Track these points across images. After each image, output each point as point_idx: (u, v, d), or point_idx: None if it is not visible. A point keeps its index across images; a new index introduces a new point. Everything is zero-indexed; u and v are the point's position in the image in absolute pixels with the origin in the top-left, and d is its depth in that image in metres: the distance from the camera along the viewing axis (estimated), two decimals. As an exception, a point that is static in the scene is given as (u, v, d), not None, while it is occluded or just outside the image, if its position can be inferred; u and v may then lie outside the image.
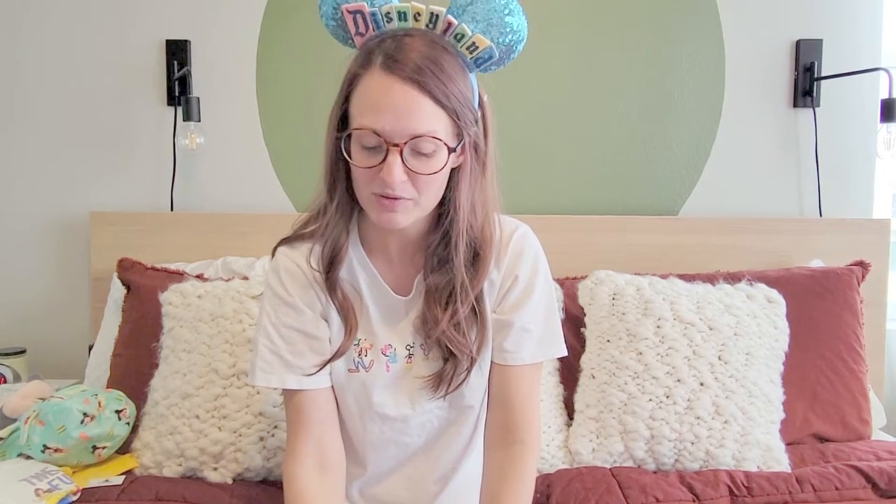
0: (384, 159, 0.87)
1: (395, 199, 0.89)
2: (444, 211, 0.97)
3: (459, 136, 0.91)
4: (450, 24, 0.90)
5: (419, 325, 1.00)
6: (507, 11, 0.92)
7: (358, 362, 1.01)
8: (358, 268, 1.02)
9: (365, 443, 1.04)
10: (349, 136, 0.90)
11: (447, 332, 0.96)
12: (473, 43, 0.92)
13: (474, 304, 0.98)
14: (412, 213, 0.93)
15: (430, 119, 0.87)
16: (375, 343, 1.01)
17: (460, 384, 0.99)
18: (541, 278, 1.04)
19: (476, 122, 0.94)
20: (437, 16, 0.90)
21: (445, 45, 0.91)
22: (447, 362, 0.98)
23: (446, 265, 0.97)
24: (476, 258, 0.98)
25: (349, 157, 0.91)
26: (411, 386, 1.01)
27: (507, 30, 0.92)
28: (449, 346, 0.97)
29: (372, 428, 1.03)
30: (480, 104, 0.96)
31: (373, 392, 1.01)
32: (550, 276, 1.07)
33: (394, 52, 0.87)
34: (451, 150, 0.90)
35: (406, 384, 1.02)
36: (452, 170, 0.95)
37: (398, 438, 1.03)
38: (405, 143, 0.87)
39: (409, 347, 1.02)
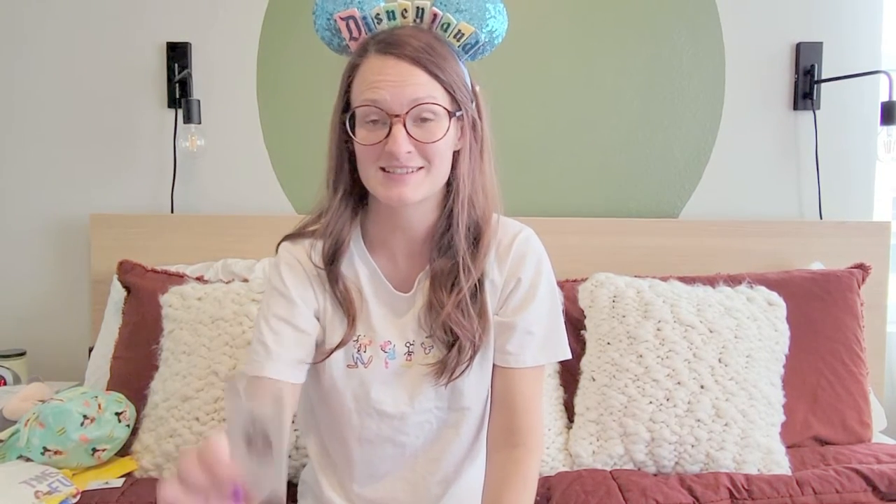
0: (388, 133, 0.90)
1: (403, 173, 0.91)
2: (448, 193, 0.99)
3: (457, 109, 0.95)
4: (435, 15, 0.96)
5: (425, 313, 1.00)
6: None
7: (357, 358, 1.01)
8: (359, 263, 1.03)
9: (361, 440, 1.03)
10: (353, 118, 0.93)
11: (453, 315, 0.97)
12: (459, 30, 0.97)
13: (477, 292, 0.99)
14: (421, 186, 0.94)
15: (427, 87, 0.91)
16: (374, 339, 1.02)
17: (463, 372, 0.99)
18: (544, 281, 1.04)
19: (472, 102, 0.98)
20: (423, 9, 0.97)
21: (435, 35, 0.96)
22: (451, 349, 0.98)
23: (450, 249, 0.99)
24: (476, 241, 1.00)
25: (354, 136, 0.93)
26: (410, 382, 1.02)
27: (488, 16, 0.98)
28: (455, 329, 0.97)
29: (369, 425, 1.02)
30: (473, 91, 0.99)
31: (371, 388, 1.01)
32: (554, 279, 1.07)
33: (387, 38, 0.93)
34: (451, 115, 0.93)
35: (405, 381, 1.02)
36: (454, 153, 0.98)
37: (395, 437, 1.03)
38: (406, 113, 0.90)
39: (408, 345, 1.02)
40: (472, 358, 0.99)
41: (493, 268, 1.02)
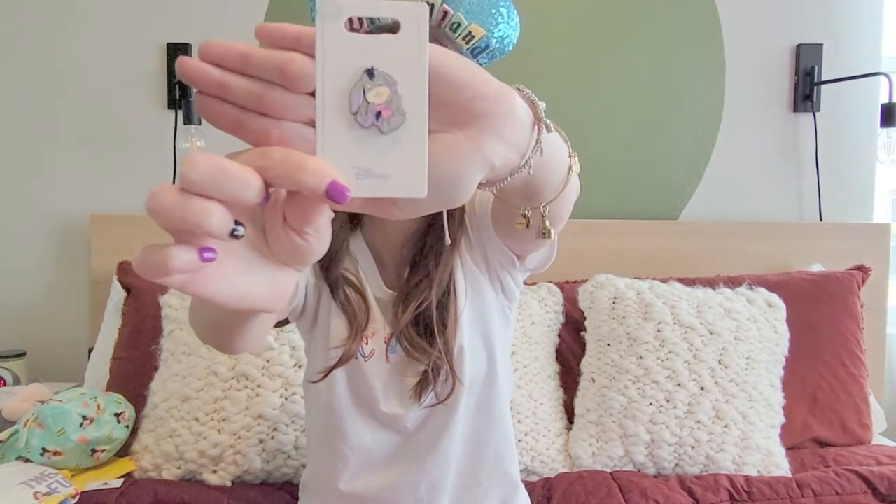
0: None
1: None
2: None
3: None
4: (446, 13, 0.91)
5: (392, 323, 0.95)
6: (502, 3, 0.95)
7: (357, 350, 0.95)
8: (359, 253, 0.98)
9: (352, 432, 0.97)
10: None
11: (414, 338, 0.92)
12: (469, 32, 0.93)
13: (446, 301, 0.92)
14: None
15: None
16: (378, 332, 0.96)
17: (444, 387, 0.93)
18: None
19: None
20: (433, 5, 0.91)
21: (444, 34, 0.92)
22: (424, 372, 0.92)
23: (423, 259, 0.93)
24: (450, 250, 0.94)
25: None
26: (406, 384, 0.96)
27: (500, 20, 0.95)
28: (414, 353, 0.92)
29: (364, 419, 0.97)
30: None
31: (367, 381, 0.95)
32: None
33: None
34: None
35: (407, 381, 0.96)
36: None
37: (390, 425, 0.97)
38: None
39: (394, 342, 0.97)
40: (450, 374, 0.92)
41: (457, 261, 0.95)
